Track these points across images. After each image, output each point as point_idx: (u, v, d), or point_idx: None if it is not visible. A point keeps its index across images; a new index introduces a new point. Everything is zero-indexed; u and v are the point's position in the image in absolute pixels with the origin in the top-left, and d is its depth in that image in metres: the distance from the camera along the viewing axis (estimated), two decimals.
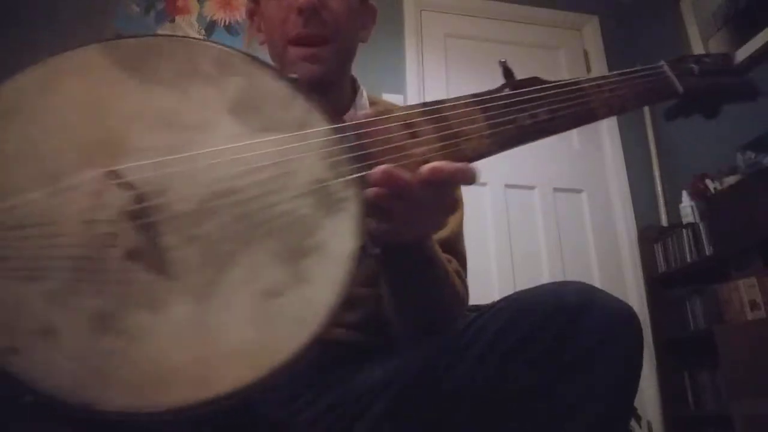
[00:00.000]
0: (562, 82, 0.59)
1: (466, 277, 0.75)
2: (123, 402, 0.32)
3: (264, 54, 0.75)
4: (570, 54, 3.01)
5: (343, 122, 0.50)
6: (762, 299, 1.88)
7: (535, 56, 2.94)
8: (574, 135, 2.78)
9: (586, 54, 3.01)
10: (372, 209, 0.44)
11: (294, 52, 0.71)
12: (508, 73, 0.59)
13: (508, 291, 0.61)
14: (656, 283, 2.54)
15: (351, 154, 0.44)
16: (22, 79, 0.42)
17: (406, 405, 0.60)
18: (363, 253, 0.41)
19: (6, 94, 0.40)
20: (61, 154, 0.38)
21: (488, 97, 0.55)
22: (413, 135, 0.48)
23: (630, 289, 2.58)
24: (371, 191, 0.44)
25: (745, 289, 1.95)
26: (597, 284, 2.13)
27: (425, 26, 2.86)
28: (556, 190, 2.69)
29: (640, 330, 0.54)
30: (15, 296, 0.33)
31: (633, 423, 2.04)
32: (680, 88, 0.68)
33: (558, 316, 0.52)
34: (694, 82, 0.70)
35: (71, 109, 0.40)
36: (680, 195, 2.53)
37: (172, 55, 0.44)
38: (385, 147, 0.47)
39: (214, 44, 0.46)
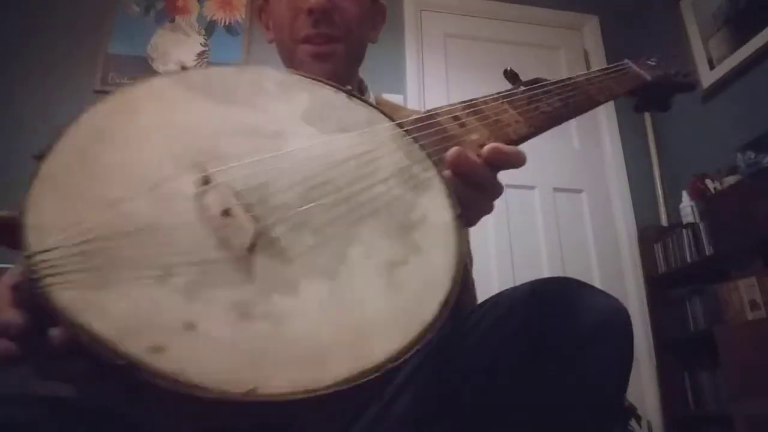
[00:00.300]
0: (559, 79, 0.67)
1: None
2: (284, 381, 0.30)
3: (269, 52, 0.76)
4: (570, 54, 3.01)
5: None
6: (762, 299, 1.88)
7: (535, 56, 2.95)
8: (574, 135, 2.79)
9: (586, 54, 3.01)
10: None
11: (304, 49, 0.72)
12: (514, 76, 0.65)
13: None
14: (656, 283, 2.54)
15: (420, 143, 0.49)
16: (102, 107, 0.42)
17: (403, 400, 0.61)
18: (461, 222, 0.43)
19: (90, 121, 0.42)
20: (158, 165, 0.39)
21: (508, 92, 0.61)
22: (462, 125, 0.53)
23: (630, 289, 2.58)
24: (448, 171, 0.47)
25: (745, 289, 1.96)
26: (597, 284, 2.12)
27: (425, 26, 2.86)
28: (556, 190, 2.69)
29: (630, 326, 0.52)
30: (150, 297, 0.32)
31: (633, 423, 2.04)
32: (648, 77, 0.82)
33: (542, 315, 0.51)
34: (656, 73, 0.86)
35: (156, 128, 0.42)
36: (680, 195, 2.53)
37: (238, 80, 0.48)
38: (444, 136, 0.51)
39: (272, 69, 0.51)
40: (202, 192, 0.38)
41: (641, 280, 2.59)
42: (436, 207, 0.44)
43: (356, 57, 0.77)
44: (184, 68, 0.46)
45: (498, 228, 2.55)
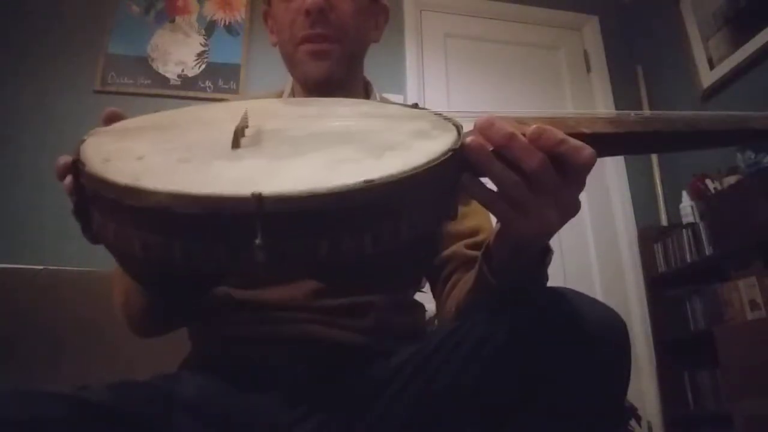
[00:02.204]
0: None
1: None
2: (172, 186, 0.35)
3: (269, 52, 0.78)
4: (570, 54, 3.01)
5: None
6: (762, 299, 1.88)
7: (535, 56, 2.95)
8: None
9: (586, 54, 3.01)
10: (479, 191, 0.43)
11: (302, 49, 0.73)
12: None
13: None
14: (656, 283, 2.53)
15: (453, 122, 0.46)
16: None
17: (401, 405, 0.61)
18: (454, 156, 0.39)
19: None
20: (221, 116, 0.50)
21: (617, 116, 0.50)
22: (521, 122, 0.43)
23: (630, 289, 2.58)
24: (471, 137, 0.40)
25: (745, 289, 1.96)
26: (597, 284, 2.13)
27: (425, 26, 2.86)
28: None
29: (626, 339, 0.52)
30: (138, 147, 0.42)
31: (633, 423, 2.04)
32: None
33: (535, 326, 0.51)
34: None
35: (239, 106, 0.52)
36: (680, 195, 2.53)
37: (320, 101, 0.60)
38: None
39: (345, 99, 0.60)
40: (237, 126, 0.44)
41: (641, 280, 2.58)
42: (431, 145, 0.40)
43: (355, 56, 0.78)
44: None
45: None
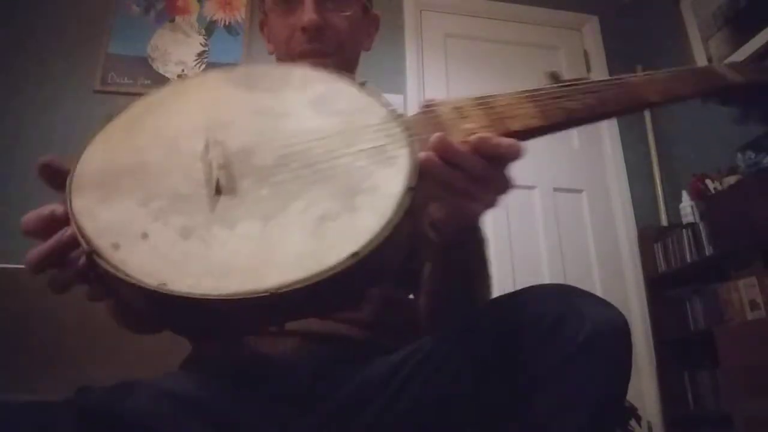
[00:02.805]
0: (609, 79, 0.61)
1: None
2: (189, 288, 0.39)
3: (270, 55, 0.82)
4: (570, 54, 3.01)
5: None
6: (762, 299, 1.88)
7: (535, 56, 2.95)
8: (574, 135, 2.79)
9: (586, 54, 3.01)
10: (434, 185, 0.49)
11: (300, 63, 0.75)
12: (556, 77, 0.62)
13: (508, 291, 0.60)
14: (656, 283, 2.53)
15: (406, 129, 0.50)
16: (163, 89, 0.56)
17: (398, 406, 0.61)
18: (412, 195, 0.45)
19: (148, 98, 0.55)
20: (182, 128, 0.52)
21: (536, 89, 0.58)
22: (462, 116, 0.52)
23: (630, 289, 2.58)
24: (424, 153, 0.47)
25: (745, 289, 1.96)
26: (597, 284, 2.13)
27: (425, 26, 2.86)
28: (556, 190, 2.69)
29: (627, 337, 0.52)
30: (128, 213, 0.44)
31: (633, 423, 2.04)
32: (739, 78, 0.68)
33: (537, 325, 0.51)
34: (754, 76, 0.70)
35: (195, 106, 0.54)
36: (680, 195, 2.53)
37: (271, 74, 0.59)
38: (435, 122, 0.52)
39: (304, 66, 0.60)
40: (203, 149, 0.49)
41: (641, 280, 2.58)
42: (391, 180, 0.46)
43: (349, 67, 0.82)
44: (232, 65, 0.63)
45: (498, 228, 2.55)
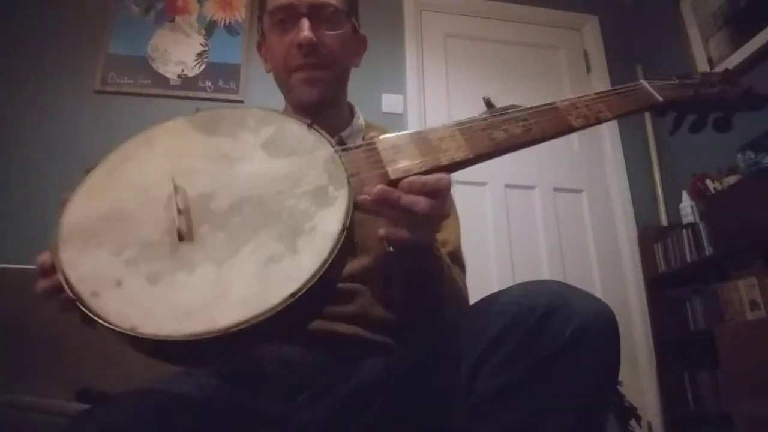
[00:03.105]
0: (537, 105, 0.68)
1: (463, 272, 0.85)
2: (155, 330, 0.46)
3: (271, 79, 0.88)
4: (570, 54, 3.01)
5: (341, 139, 0.80)
6: (762, 299, 1.88)
7: (535, 56, 2.95)
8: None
9: (586, 54, 3.01)
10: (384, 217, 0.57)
11: (296, 77, 0.83)
12: (489, 105, 0.68)
13: None
14: (656, 283, 2.53)
15: (345, 167, 0.58)
16: (133, 139, 0.64)
17: (399, 403, 0.62)
18: (346, 234, 0.52)
19: (122, 149, 0.63)
20: (152, 178, 0.59)
21: (468, 120, 0.65)
22: (398, 152, 0.60)
23: (630, 289, 2.58)
24: (363, 197, 0.56)
25: (745, 289, 1.96)
26: (597, 284, 2.14)
27: (425, 26, 2.86)
28: (556, 190, 2.69)
29: (615, 330, 0.53)
30: (105, 262, 0.52)
31: (633, 423, 2.04)
32: (659, 98, 0.75)
33: (526, 318, 0.52)
34: (672, 93, 0.78)
35: (162, 153, 0.62)
36: (680, 195, 2.53)
37: (230, 117, 0.65)
38: (375, 160, 0.59)
39: (258, 108, 0.66)
40: (168, 197, 0.56)
41: (641, 280, 2.59)
42: (329, 221, 0.53)
43: (341, 82, 0.88)
44: (197, 110, 0.68)
45: (498, 228, 2.55)
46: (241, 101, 2.49)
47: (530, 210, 2.63)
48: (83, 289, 0.50)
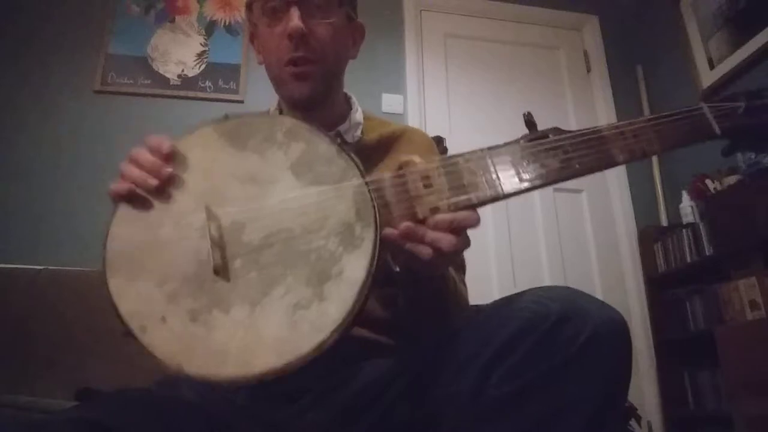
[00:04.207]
0: (582, 131, 0.62)
1: (464, 274, 0.84)
2: (198, 370, 0.51)
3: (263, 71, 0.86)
4: (570, 54, 3.01)
5: (339, 134, 0.83)
6: (762, 299, 1.88)
7: (535, 56, 2.95)
8: None
9: (586, 54, 3.01)
10: (401, 252, 0.57)
11: (287, 71, 0.80)
12: (530, 124, 0.63)
13: (508, 291, 0.61)
14: (656, 283, 2.54)
15: (373, 203, 0.57)
16: (180, 143, 0.63)
17: (402, 406, 0.62)
18: (372, 281, 0.53)
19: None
20: (186, 202, 0.60)
21: (503, 148, 0.61)
22: (428, 185, 0.58)
23: (630, 289, 2.58)
24: (389, 232, 0.56)
25: (745, 289, 1.96)
26: (597, 284, 2.13)
27: (425, 26, 2.86)
28: (556, 190, 2.69)
29: (627, 337, 0.53)
30: (149, 294, 0.55)
31: (633, 423, 2.04)
32: (717, 131, 0.65)
33: (539, 324, 0.51)
34: (734, 123, 0.66)
35: (194, 171, 0.62)
36: (680, 195, 2.53)
37: (259, 128, 0.63)
38: (404, 196, 0.58)
39: (288, 118, 0.65)
40: (204, 226, 0.57)
41: (641, 280, 2.59)
42: (355, 266, 0.54)
43: (334, 74, 0.85)
44: (226, 116, 0.68)
45: (498, 228, 2.55)
46: (241, 101, 2.49)
47: (530, 210, 2.63)
48: (134, 324, 0.54)
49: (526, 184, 0.59)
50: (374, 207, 0.56)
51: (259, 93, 2.44)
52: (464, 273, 0.85)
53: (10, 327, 1.54)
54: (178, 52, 2.54)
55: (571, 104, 2.89)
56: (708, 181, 2.34)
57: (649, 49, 2.95)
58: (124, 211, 0.60)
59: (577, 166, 0.60)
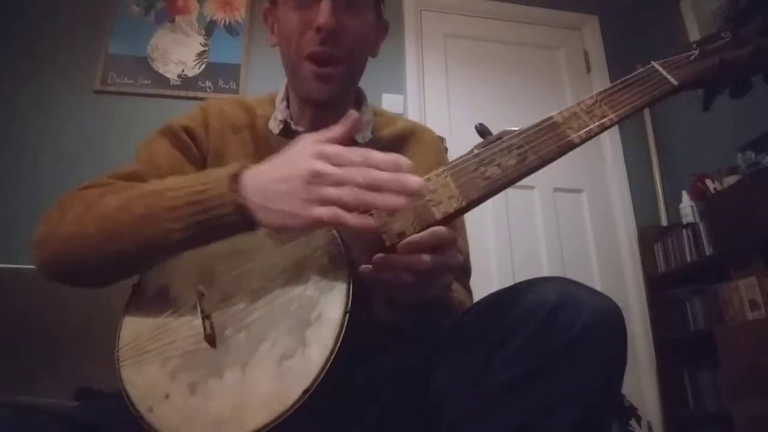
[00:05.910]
0: (531, 126, 0.63)
1: (469, 278, 0.82)
2: None
3: (269, 53, 0.78)
4: (570, 54, 3.01)
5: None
6: (762, 299, 1.88)
7: (535, 56, 2.95)
8: None
9: (586, 54, 3.01)
10: (383, 285, 0.57)
11: (307, 67, 0.75)
12: (483, 133, 0.64)
13: None
14: (656, 283, 2.54)
15: (342, 243, 0.58)
16: None
17: (404, 398, 0.62)
18: (349, 317, 0.54)
19: None
20: (179, 285, 0.65)
21: (459, 161, 0.60)
22: (391, 213, 0.56)
23: (630, 289, 2.58)
24: (364, 269, 0.56)
25: (745, 289, 1.96)
26: (597, 284, 2.14)
27: (425, 26, 2.86)
28: (556, 190, 2.69)
29: (622, 327, 0.53)
30: (154, 376, 0.59)
31: (633, 423, 2.05)
32: (674, 81, 0.66)
33: (535, 313, 0.52)
34: (690, 70, 0.68)
35: (184, 259, 0.63)
36: (680, 195, 2.53)
37: None
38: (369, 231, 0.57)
39: None
40: (195, 304, 0.61)
41: (641, 280, 2.59)
42: (332, 305, 0.55)
43: (356, 74, 0.81)
44: None
45: (498, 228, 2.55)
46: None
47: (530, 210, 2.63)
48: (142, 407, 0.57)
49: (487, 189, 0.59)
50: (343, 247, 0.57)
51: (259, 93, 2.44)
52: (469, 277, 0.84)
53: (10, 327, 1.53)
54: (178, 52, 2.54)
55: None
56: (708, 181, 2.34)
57: (649, 49, 2.95)
58: (135, 302, 0.66)
59: (534, 156, 0.60)
